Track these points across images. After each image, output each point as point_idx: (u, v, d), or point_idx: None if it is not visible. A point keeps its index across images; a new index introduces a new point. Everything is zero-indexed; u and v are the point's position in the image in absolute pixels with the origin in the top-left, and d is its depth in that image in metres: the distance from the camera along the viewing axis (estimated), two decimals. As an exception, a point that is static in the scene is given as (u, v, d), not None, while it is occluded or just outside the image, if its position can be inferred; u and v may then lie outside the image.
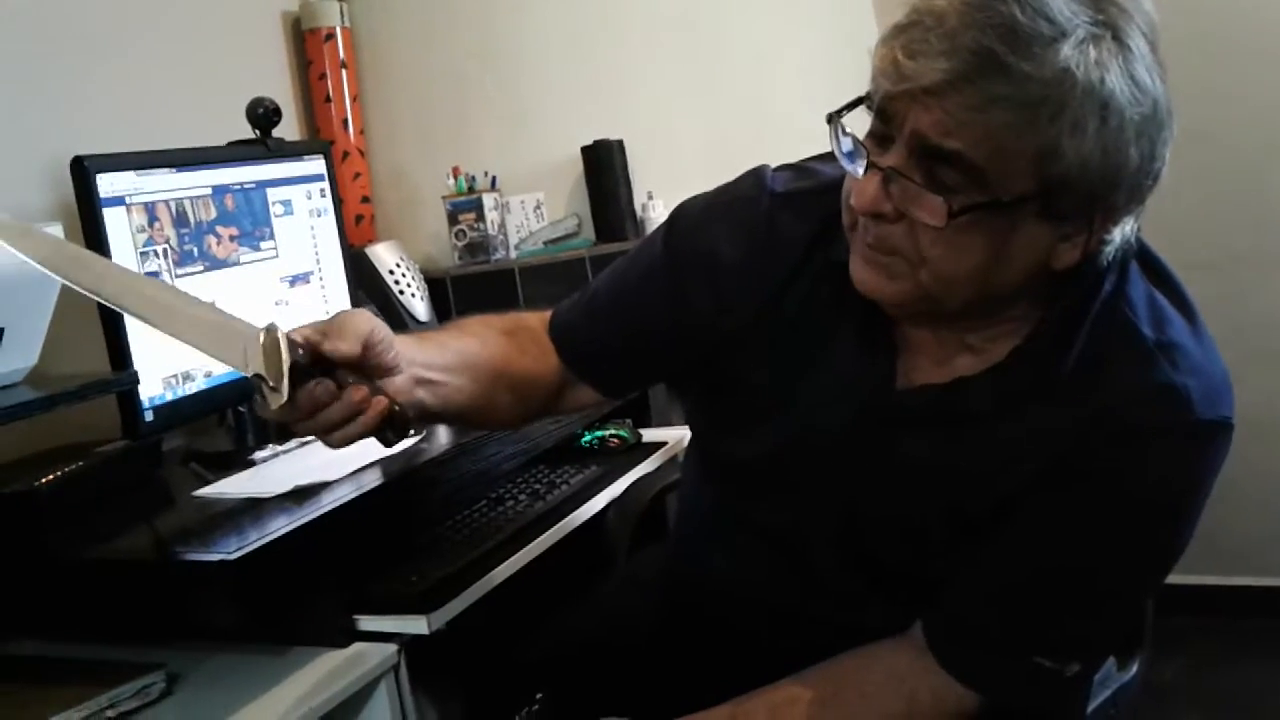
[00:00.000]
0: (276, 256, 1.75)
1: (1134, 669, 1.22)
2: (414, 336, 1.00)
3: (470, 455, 1.54)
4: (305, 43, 2.30)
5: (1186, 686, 2.24)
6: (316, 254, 1.83)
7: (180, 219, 1.59)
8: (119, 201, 1.50)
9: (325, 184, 1.86)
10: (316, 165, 1.85)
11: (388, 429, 0.90)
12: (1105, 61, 0.80)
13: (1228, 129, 2.33)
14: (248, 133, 1.80)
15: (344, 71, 2.30)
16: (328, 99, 2.29)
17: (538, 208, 2.31)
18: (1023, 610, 0.96)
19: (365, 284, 2.03)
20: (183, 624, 1.33)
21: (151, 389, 1.52)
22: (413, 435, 0.93)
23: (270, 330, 0.87)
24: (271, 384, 0.85)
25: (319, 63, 2.29)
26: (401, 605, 1.28)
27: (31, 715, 1.11)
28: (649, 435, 1.87)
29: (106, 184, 1.49)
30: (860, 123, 0.90)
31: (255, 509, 1.33)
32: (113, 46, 1.86)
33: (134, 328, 1.47)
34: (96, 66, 1.83)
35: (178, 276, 1.57)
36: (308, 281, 1.81)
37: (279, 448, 1.62)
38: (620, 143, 2.23)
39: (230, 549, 1.19)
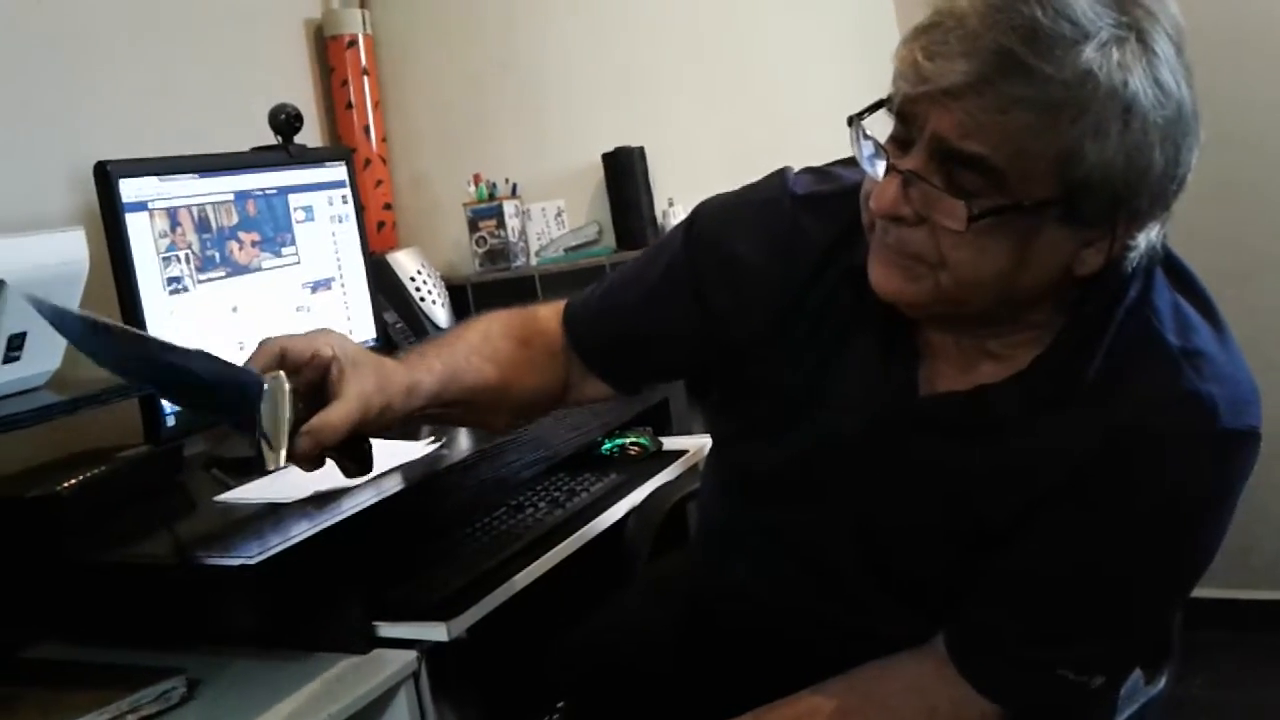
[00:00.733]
0: (298, 263, 1.76)
1: (1161, 683, 1.20)
2: (410, 362, 0.99)
3: (490, 462, 1.53)
4: (327, 49, 2.31)
5: (1214, 701, 2.20)
6: (338, 260, 1.84)
7: (202, 224, 1.60)
8: (141, 207, 1.51)
9: (347, 190, 1.87)
10: (338, 172, 1.86)
11: (351, 464, 0.92)
12: (1129, 64, 0.79)
13: (1259, 133, 2.30)
14: (270, 139, 1.80)
15: (366, 78, 2.31)
16: (349, 106, 2.31)
17: (558, 215, 2.31)
18: (1045, 621, 0.95)
19: (386, 290, 2.04)
20: (203, 629, 1.34)
21: (173, 394, 1.53)
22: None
23: (277, 380, 0.86)
24: (272, 444, 0.85)
25: (341, 69, 2.30)
26: (421, 612, 1.28)
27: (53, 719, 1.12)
28: (669, 443, 1.86)
29: (129, 189, 1.49)
30: (882, 127, 0.89)
31: (276, 514, 1.33)
32: (135, 53, 1.88)
33: (156, 332, 1.47)
34: (119, 72, 1.84)
35: (199, 282, 1.58)
36: (329, 288, 1.81)
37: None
38: (641, 149, 2.23)
39: (251, 554, 1.19)
